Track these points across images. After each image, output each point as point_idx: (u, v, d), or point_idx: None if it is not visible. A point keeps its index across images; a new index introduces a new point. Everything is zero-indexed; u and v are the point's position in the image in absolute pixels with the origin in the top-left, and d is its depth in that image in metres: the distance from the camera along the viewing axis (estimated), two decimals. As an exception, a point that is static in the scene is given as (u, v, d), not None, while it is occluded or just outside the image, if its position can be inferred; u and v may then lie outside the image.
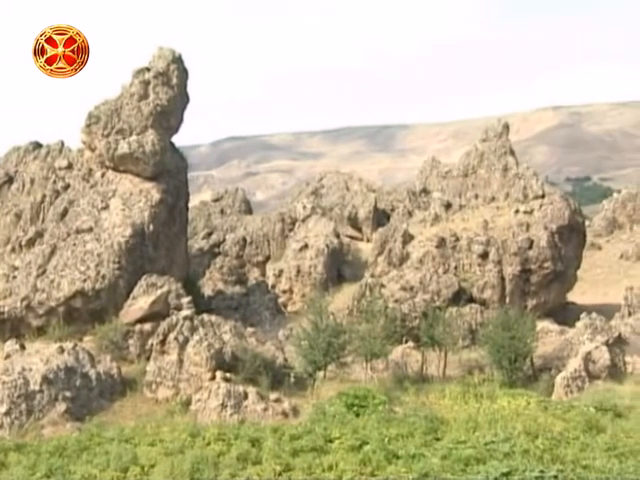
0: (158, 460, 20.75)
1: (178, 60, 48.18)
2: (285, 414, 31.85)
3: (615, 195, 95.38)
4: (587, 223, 70.08)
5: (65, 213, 46.08)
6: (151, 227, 44.89)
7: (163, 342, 35.45)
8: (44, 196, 47.46)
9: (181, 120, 49.28)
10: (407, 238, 53.93)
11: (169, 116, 47.90)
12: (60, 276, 42.19)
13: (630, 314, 49.27)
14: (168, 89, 47.52)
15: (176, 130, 49.25)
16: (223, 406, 31.65)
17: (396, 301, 47.40)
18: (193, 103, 49.38)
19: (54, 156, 49.82)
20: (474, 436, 21.55)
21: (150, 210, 45.25)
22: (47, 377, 32.03)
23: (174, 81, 47.79)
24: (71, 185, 47.59)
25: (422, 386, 35.67)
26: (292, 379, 35.70)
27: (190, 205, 54.61)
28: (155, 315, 39.15)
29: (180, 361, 34.55)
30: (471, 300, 49.43)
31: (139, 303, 39.92)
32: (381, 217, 71.46)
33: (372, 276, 51.57)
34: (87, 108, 48.37)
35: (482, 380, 36.81)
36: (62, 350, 34.25)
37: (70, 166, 48.68)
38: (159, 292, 40.12)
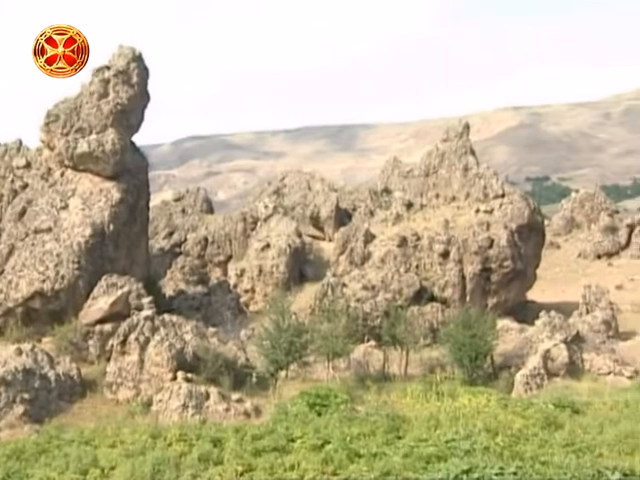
0: (118, 462, 20.57)
1: (138, 58, 47.77)
2: (247, 414, 31.79)
3: (573, 195, 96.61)
4: (546, 222, 70.95)
5: (23, 213, 45.46)
6: (111, 227, 44.48)
7: (124, 343, 35.15)
8: (1, 195, 46.81)
9: (142, 119, 48.88)
10: (369, 237, 54.12)
11: (129, 115, 47.48)
12: (18, 277, 41.64)
13: (588, 312, 49.94)
14: (128, 88, 47.10)
15: (137, 129, 48.84)
16: (184, 406, 31.48)
17: (358, 300, 47.52)
18: (154, 102, 49.01)
19: (12, 155, 49.14)
20: (435, 434, 21.68)
21: (110, 210, 44.84)
22: (5, 379, 31.58)
23: (134, 80, 47.38)
24: (29, 184, 46.97)
25: (384, 385, 35.81)
26: (254, 379, 35.61)
27: (151, 205, 54.22)
28: (115, 315, 38.80)
29: (141, 362, 34.29)
30: (432, 299, 49.74)
31: (99, 303, 39.54)
32: (343, 216, 71.66)
33: (334, 275, 51.65)
34: (46, 106, 47.85)
35: (443, 378, 37.03)
36: (20, 352, 33.80)
37: (28, 165, 48.05)
38: (119, 292, 39.77)
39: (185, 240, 69.16)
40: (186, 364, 34.49)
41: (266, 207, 67.68)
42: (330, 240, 66.93)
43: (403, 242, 51.89)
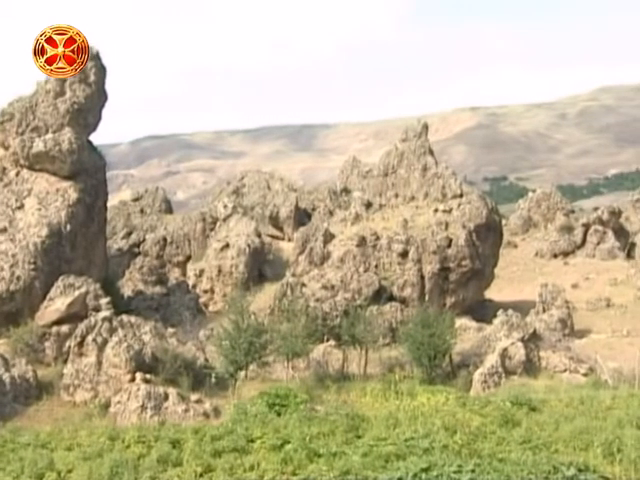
0: (75, 465, 20.32)
1: (96, 57, 47.29)
2: (206, 415, 31.64)
3: (530, 194, 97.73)
4: (504, 222, 71.71)
5: (-22, 213, 44.77)
6: (68, 227, 44.00)
7: (81, 344, 34.76)
8: (-45, 195, 46.04)
9: (99, 118, 48.41)
10: (328, 237, 54.24)
11: (86, 114, 46.99)
12: (-27, 278, 40.98)
13: (544, 310, 50.67)
14: (85, 86, 46.61)
15: (94, 128, 48.36)
16: (143, 408, 31.25)
17: (317, 300, 47.59)
18: (112, 101, 48.69)
19: (-34, 154, 48.34)
20: (394, 433, 21.76)
21: (67, 210, 44.35)
22: (-41, 382, 31.07)
23: (92, 78, 46.90)
24: (-16, 184, 46.25)
25: (343, 384, 35.89)
26: (213, 379, 35.48)
27: (109, 204, 53.75)
28: (72, 317, 38.37)
29: (99, 363, 33.96)
30: (391, 298, 49.99)
31: (56, 304, 39.07)
32: (302, 216, 71.76)
33: (293, 275, 51.67)
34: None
35: (402, 377, 37.22)
36: (-25, 354, 33.28)
37: (-17, 164, 47.30)
38: (77, 293, 39.35)
39: (144, 240, 68.69)
40: (144, 365, 34.24)
41: (225, 207, 67.49)
42: (289, 240, 66.98)
43: (362, 242, 52.08)
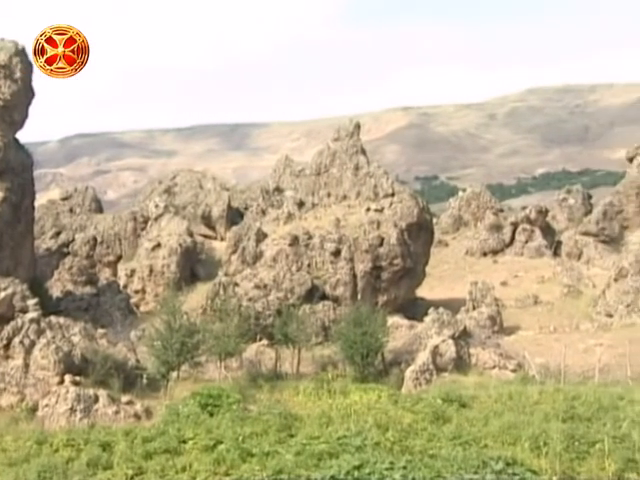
0: (1, 471, 19.88)
1: (21, 53, 46.26)
2: (137, 416, 31.23)
3: (460, 194, 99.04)
4: (435, 221, 72.64)
5: None
6: (-6, 227, 42.97)
7: (7, 346, 33.93)
8: None
9: (26, 115, 47.38)
10: (261, 236, 54.14)
11: (12, 111, 45.94)
12: None
13: (474, 308, 51.51)
14: (11, 83, 45.56)
15: (21, 126, 47.31)
16: (72, 410, 30.67)
17: (250, 299, 47.47)
18: (39, 98, 47.68)
19: None
20: (327, 431, 21.85)
21: (-8, 209, 43.31)
22: None
23: (17, 75, 45.87)
24: None
25: (276, 383, 35.86)
26: (145, 380, 35.09)
27: (37, 204, 52.72)
28: (-1, 318, 37.45)
29: (26, 365, 33.21)
30: (324, 297, 50.18)
31: (-19, 306, 38.07)
32: (235, 215, 71.53)
33: (226, 275, 51.44)
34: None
35: (335, 376, 37.35)
36: None
37: None
38: (3, 294, 38.33)
39: (73, 240, 67.52)
40: (74, 367, 33.64)
41: (157, 206, 66.83)
42: (222, 239, 66.70)
43: (295, 241, 52.13)
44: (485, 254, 79.48)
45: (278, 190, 76.04)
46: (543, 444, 18.65)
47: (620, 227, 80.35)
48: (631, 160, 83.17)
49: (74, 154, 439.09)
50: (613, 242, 77.85)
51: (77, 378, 32.67)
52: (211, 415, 26.57)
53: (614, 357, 38.56)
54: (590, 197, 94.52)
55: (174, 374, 36.45)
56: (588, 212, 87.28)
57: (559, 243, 79.67)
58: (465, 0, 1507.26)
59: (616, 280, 54.32)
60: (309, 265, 51.51)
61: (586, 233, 79.34)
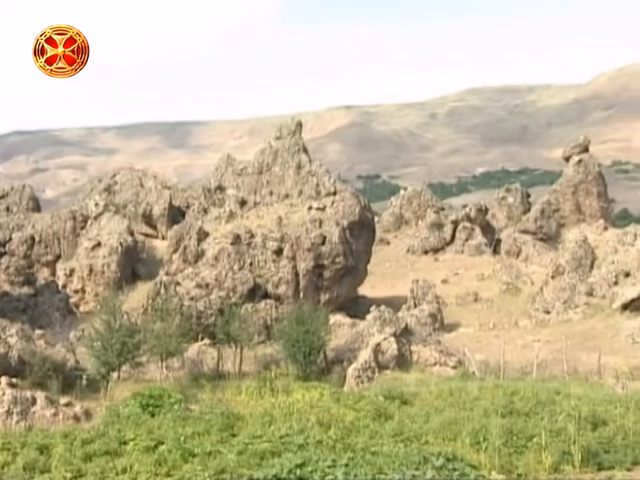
0: None
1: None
2: (77, 418, 30.78)
3: (402, 192, 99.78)
4: (376, 219, 73.16)
5: None
6: None
7: (-59, 348, 33.17)
8: None
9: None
10: (202, 235, 53.85)
11: (-54, 107, 44.86)
12: None
13: (416, 305, 52.01)
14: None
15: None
16: (9, 413, 30.07)
17: (192, 299, 47.15)
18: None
19: None
20: (270, 430, 21.82)
21: None
22: None
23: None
24: None
25: (218, 383, 35.70)
26: (84, 382, 34.57)
27: (-29, 202, 51.48)
28: None
29: (-39, 368, 32.48)
30: (266, 296, 50.11)
31: None
32: (176, 214, 70.95)
33: (167, 274, 51.02)
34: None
35: (278, 375, 37.35)
36: None
37: None
38: (-64, 295, 37.53)
39: (10, 239, 66.20)
40: (10, 369, 32.99)
41: (97, 205, 65.99)
42: (163, 238, 66.12)
43: (237, 240, 51.94)
44: (426, 252, 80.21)
45: (220, 189, 75.64)
46: (483, 439, 18.90)
47: (557, 225, 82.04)
48: (567, 159, 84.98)
49: (11, 152, 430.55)
50: (550, 240, 79.42)
51: (14, 380, 32.03)
52: (152, 415, 26.33)
53: (551, 353, 39.32)
54: (529, 196, 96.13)
55: (114, 375, 36.03)
56: (527, 210, 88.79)
57: (498, 241, 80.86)
58: (405, 1, 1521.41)
59: (553, 277, 55.42)
60: (251, 264, 51.38)
61: (524, 231, 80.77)
